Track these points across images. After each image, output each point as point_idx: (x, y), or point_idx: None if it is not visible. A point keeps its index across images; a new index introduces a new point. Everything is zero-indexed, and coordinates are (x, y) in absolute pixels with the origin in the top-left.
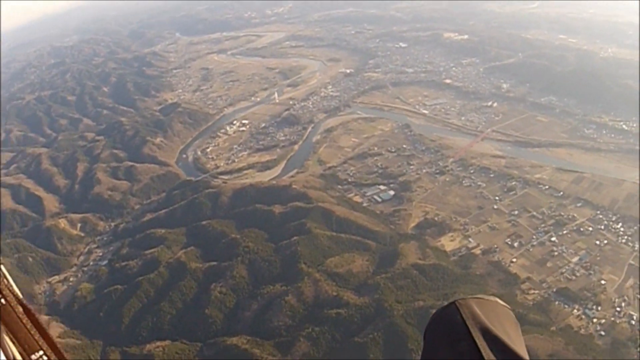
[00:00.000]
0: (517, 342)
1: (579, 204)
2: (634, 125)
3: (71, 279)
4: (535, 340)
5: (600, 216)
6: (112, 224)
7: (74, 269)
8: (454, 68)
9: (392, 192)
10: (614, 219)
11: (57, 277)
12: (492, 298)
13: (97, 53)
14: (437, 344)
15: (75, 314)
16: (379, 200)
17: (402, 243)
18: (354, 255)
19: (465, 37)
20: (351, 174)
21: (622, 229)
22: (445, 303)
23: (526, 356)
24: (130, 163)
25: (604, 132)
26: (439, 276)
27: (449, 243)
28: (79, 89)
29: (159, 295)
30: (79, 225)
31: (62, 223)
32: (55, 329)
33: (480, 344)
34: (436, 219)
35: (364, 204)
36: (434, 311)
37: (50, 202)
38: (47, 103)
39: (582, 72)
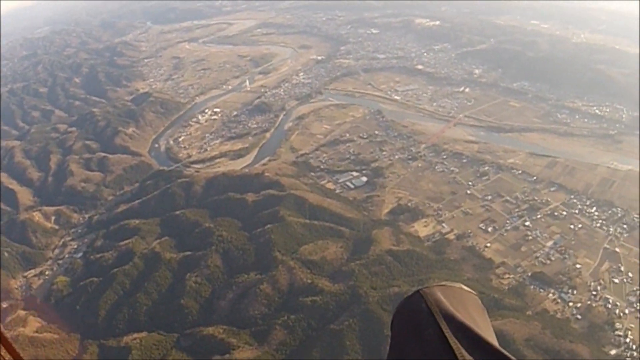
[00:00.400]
0: (484, 327)
1: (552, 189)
2: (607, 110)
3: (47, 273)
4: (511, 324)
5: (574, 200)
6: (86, 216)
7: (49, 262)
8: (425, 54)
9: (364, 179)
10: (588, 203)
11: (32, 271)
12: (457, 285)
13: (68, 44)
14: (403, 334)
15: (52, 308)
16: (352, 186)
17: (375, 229)
18: (327, 242)
19: (437, 23)
20: (323, 161)
21: (596, 213)
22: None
23: (494, 341)
24: (103, 154)
25: (577, 116)
26: (413, 262)
27: (422, 229)
28: (50, 80)
29: (135, 287)
30: (53, 218)
31: (37, 216)
32: (33, 324)
33: (446, 332)
34: (409, 204)
35: (337, 191)
36: None
37: (24, 195)
38: (19, 95)
39: (555, 58)
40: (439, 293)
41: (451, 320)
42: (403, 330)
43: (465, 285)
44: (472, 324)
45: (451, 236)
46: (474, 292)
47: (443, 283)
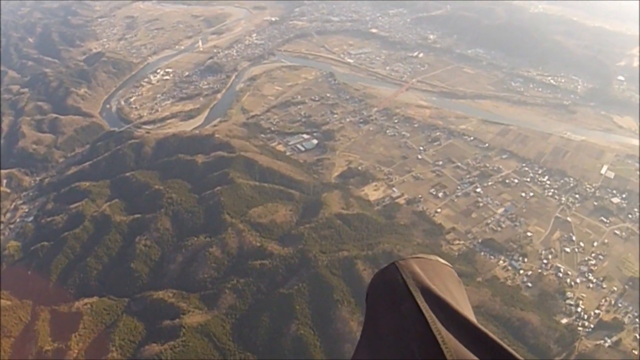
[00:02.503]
0: (460, 301)
1: (504, 156)
2: (562, 80)
3: None
4: None
5: (526, 169)
6: (37, 179)
7: (0, 226)
8: (380, 18)
9: (315, 141)
10: (540, 172)
11: None
12: (432, 257)
13: (22, 3)
14: (378, 307)
15: (3, 274)
16: (302, 149)
17: (325, 193)
18: (277, 205)
19: None
20: (274, 123)
21: (548, 182)
22: (370, 253)
23: (470, 314)
24: (55, 115)
25: (531, 85)
26: (363, 226)
27: (372, 192)
28: (4, 40)
29: (85, 251)
30: (4, 181)
31: None
32: None
33: (422, 305)
34: (360, 168)
35: (287, 153)
36: (359, 262)
37: None
38: None
39: (511, 26)
40: (415, 265)
41: (428, 293)
42: (378, 303)
43: (416, 246)
44: (449, 297)
45: (401, 201)
46: (449, 264)
47: (419, 255)
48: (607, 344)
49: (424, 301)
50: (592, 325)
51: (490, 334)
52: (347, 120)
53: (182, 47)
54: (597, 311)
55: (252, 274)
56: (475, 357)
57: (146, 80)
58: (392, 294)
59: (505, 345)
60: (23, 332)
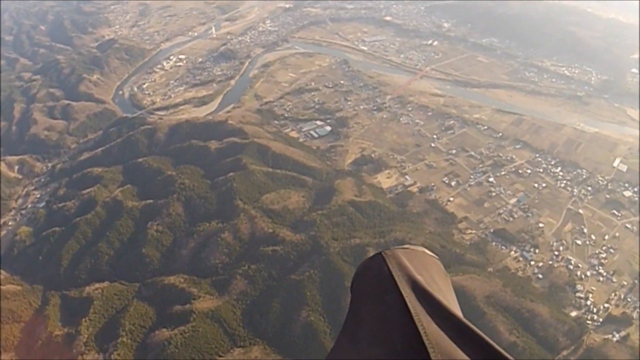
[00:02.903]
0: (446, 292)
1: (517, 146)
2: (576, 71)
3: (10, 223)
4: (472, 281)
5: (539, 159)
6: (50, 165)
7: (12, 212)
8: (394, 5)
9: (328, 128)
10: (553, 162)
11: None
12: (419, 248)
13: None
14: (363, 297)
15: (15, 259)
16: (316, 135)
17: (338, 179)
18: (290, 191)
19: None
20: (288, 109)
21: (561, 173)
22: (382, 241)
23: (456, 307)
24: (67, 102)
25: (545, 76)
26: (375, 213)
27: (385, 180)
28: (16, 28)
29: (97, 236)
30: (16, 167)
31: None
32: None
33: (406, 296)
34: (373, 155)
35: (301, 140)
36: (370, 250)
37: None
38: None
39: (526, 16)
40: (402, 256)
41: (413, 285)
42: (363, 293)
43: (428, 235)
44: (435, 289)
45: (414, 189)
46: (436, 256)
47: (406, 246)
48: (615, 339)
49: (409, 293)
50: (600, 319)
51: (474, 328)
52: (361, 107)
53: (196, 34)
54: (606, 305)
55: (263, 260)
56: (458, 350)
57: (159, 66)
58: (378, 284)
59: (488, 339)
60: (33, 317)
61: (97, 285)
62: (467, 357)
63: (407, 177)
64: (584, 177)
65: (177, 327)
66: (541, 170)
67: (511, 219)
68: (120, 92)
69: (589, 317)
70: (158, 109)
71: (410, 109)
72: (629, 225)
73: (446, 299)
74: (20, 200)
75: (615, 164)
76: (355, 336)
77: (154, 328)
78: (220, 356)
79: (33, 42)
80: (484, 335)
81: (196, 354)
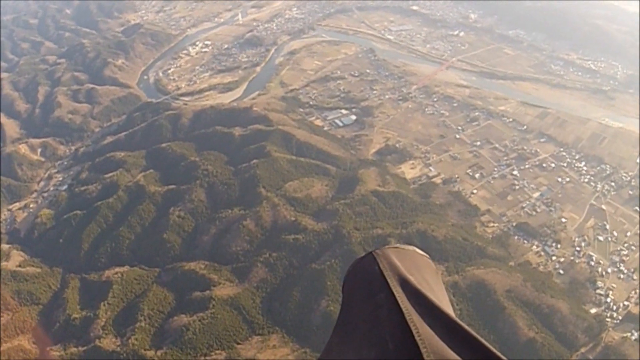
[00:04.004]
0: (437, 291)
1: (542, 139)
2: (602, 65)
3: (31, 206)
4: (493, 274)
5: (564, 153)
6: (73, 148)
7: (34, 195)
8: None
9: (353, 117)
10: (577, 157)
11: (17, 204)
12: (410, 247)
13: None
14: (355, 297)
15: (35, 242)
16: (340, 124)
17: (362, 169)
18: (313, 180)
19: None
20: (313, 97)
21: (585, 168)
22: (404, 232)
23: (447, 306)
24: (91, 85)
25: (571, 69)
26: (398, 204)
27: (409, 171)
28: (41, 12)
29: (118, 220)
30: (39, 150)
31: (23, 148)
32: (16, 258)
33: (398, 296)
34: (397, 145)
35: (325, 128)
36: (392, 240)
37: (11, 128)
38: (9, 27)
39: (553, 9)
40: (393, 255)
41: (404, 284)
42: (354, 293)
43: (450, 227)
44: (427, 288)
45: (438, 180)
46: (427, 255)
47: (396, 245)
48: (633, 337)
49: (401, 292)
50: (620, 317)
51: (466, 327)
52: (386, 97)
53: (222, 20)
54: (626, 303)
55: (285, 248)
56: (450, 350)
57: (185, 52)
58: (369, 283)
59: (480, 338)
60: (52, 299)
61: (117, 269)
62: (459, 357)
63: (431, 168)
64: (608, 172)
65: (195, 314)
66: (565, 164)
67: (534, 213)
68: (145, 77)
69: (608, 315)
70: (183, 95)
71: (435, 99)
72: None
73: (438, 298)
74: (42, 183)
75: (638, 160)
76: (347, 336)
77: (173, 314)
78: (238, 344)
79: (58, 26)
80: (476, 335)
81: (214, 341)
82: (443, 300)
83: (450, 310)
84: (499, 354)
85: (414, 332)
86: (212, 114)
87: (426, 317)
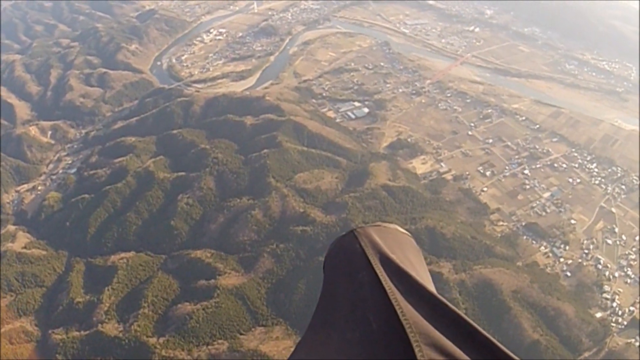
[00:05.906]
0: (420, 270)
1: (554, 139)
2: (616, 66)
3: (39, 188)
4: (500, 274)
5: (575, 154)
6: (83, 132)
7: (42, 177)
8: None
9: (366, 110)
10: (588, 158)
11: (25, 186)
12: (391, 225)
13: None
14: (336, 275)
15: (42, 224)
16: (353, 117)
17: (373, 162)
18: (323, 171)
19: None
20: (326, 89)
21: (596, 170)
22: (412, 227)
23: (429, 283)
24: (104, 70)
25: (586, 69)
26: (407, 199)
27: (420, 166)
28: None
29: (126, 205)
30: (49, 132)
31: (33, 130)
32: (22, 240)
33: (380, 274)
34: (409, 140)
35: (337, 120)
36: None
37: (22, 110)
38: (23, 10)
39: (569, 8)
40: (374, 234)
41: (387, 262)
42: (336, 271)
43: (459, 224)
44: (409, 266)
45: (448, 176)
46: (408, 233)
47: (377, 223)
48: (637, 343)
49: (383, 270)
50: (625, 322)
51: (449, 304)
52: (400, 90)
53: (237, 8)
54: (631, 308)
55: (292, 240)
56: (434, 328)
57: (199, 39)
58: (350, 262)
59: (463, 315)
60: (56, 282)
61: (122, 254)
62: (443, 335)
63: (442, 164)
64: (619, 175)
65: (200, 302)
66: (576, 165)
67: (544, 213)
68: (158, 63)
69: (613, 320)
70: (195, 82)
71: (449, 94)
72: None
73: (420, 276)
74: (51, 166)
75: None
76: (330, 317)
77: (177, 301)
78: (241, 334)
79: (72, 9)
80: (460, 312)
81: (217, 330)
82: (425, 278)
83: (432, 288)
84: (483, 331)
85: (398, 311)
86: (224, 102)
87: (409, 295)
